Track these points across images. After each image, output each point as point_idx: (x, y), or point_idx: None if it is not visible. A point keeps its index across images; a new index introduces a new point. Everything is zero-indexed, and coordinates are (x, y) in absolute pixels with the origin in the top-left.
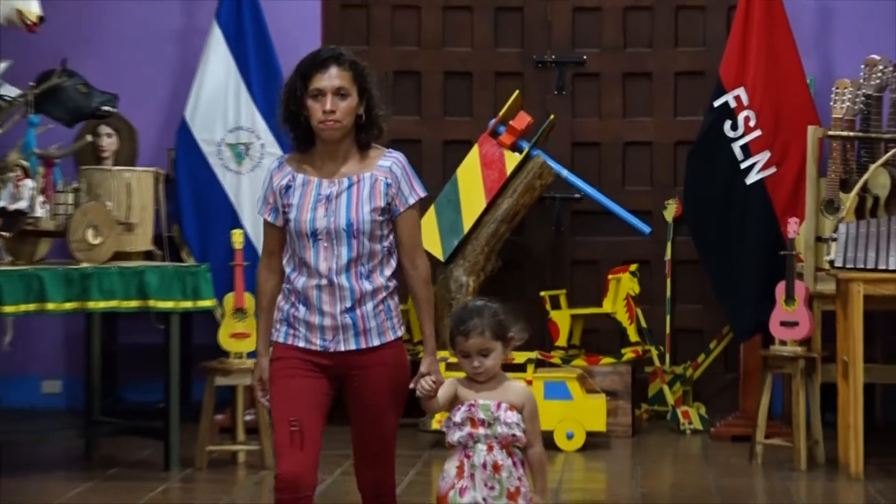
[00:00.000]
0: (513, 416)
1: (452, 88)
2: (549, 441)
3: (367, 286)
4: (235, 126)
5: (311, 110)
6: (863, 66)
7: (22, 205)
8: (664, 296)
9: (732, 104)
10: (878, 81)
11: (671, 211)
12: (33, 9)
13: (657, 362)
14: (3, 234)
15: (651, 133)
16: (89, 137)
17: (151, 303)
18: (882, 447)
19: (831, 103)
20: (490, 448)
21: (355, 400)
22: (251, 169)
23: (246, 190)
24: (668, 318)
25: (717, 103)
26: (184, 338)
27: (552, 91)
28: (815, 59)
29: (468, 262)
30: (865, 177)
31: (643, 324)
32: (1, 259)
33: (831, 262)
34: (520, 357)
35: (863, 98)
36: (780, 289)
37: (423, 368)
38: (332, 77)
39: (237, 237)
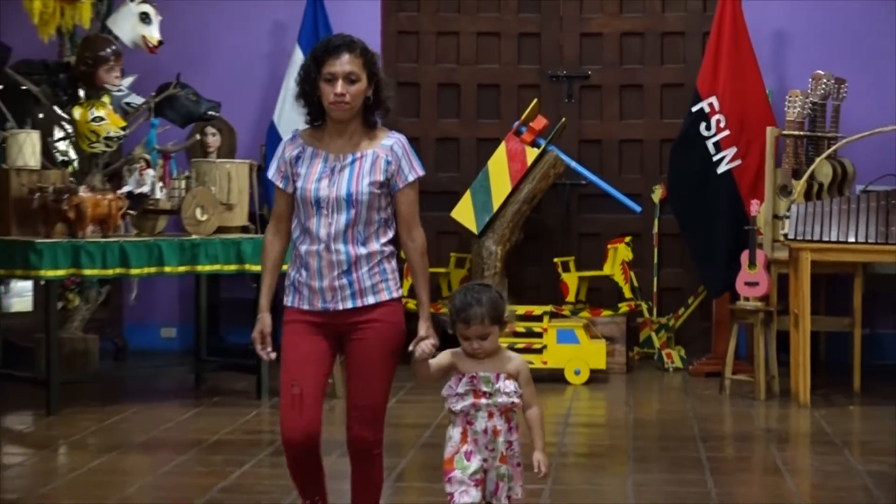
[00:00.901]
0: (510, 385)
1: (484, 97)
2: (560, 376)
3: (362, 251)
4: None
5: (324, 92)
6: (810, 80)
7: (145, 189)
8: (652, 261)
9: (706, 110)
10: (822, 91)
11: (658, 194)
12: (154, 34)
13: (646, 314)
14: (130, 212)
15: (642, 132)
16: (198, 136)
17: (247, 266)
18: (825, 381)
19: (785, 109)
20: (490, 415)
21: (351, 354)
22: None
23: None
24: (655, 279)
25: (694, 109)
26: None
27: (563, 99)
28: (773, 74)
29: (497, 234)
30: (812, 167)
31: (635, 284)
32: (128, 231)
33: (785, 235)
34: (538, 310)
35: (810, 105)
36: (745, 256)
37: (421, 332)
38: (343, 63)
39: None
